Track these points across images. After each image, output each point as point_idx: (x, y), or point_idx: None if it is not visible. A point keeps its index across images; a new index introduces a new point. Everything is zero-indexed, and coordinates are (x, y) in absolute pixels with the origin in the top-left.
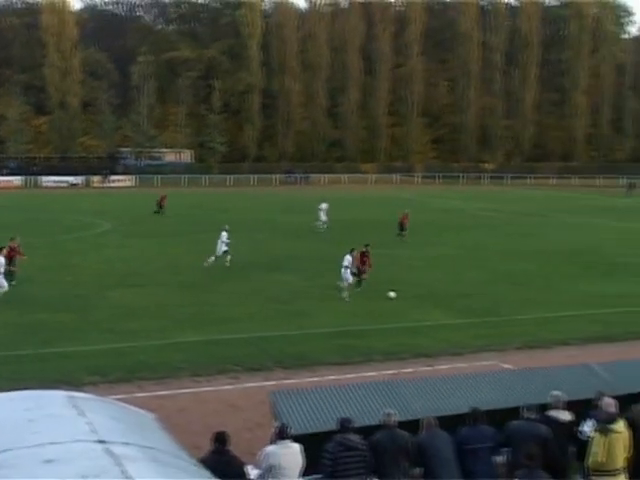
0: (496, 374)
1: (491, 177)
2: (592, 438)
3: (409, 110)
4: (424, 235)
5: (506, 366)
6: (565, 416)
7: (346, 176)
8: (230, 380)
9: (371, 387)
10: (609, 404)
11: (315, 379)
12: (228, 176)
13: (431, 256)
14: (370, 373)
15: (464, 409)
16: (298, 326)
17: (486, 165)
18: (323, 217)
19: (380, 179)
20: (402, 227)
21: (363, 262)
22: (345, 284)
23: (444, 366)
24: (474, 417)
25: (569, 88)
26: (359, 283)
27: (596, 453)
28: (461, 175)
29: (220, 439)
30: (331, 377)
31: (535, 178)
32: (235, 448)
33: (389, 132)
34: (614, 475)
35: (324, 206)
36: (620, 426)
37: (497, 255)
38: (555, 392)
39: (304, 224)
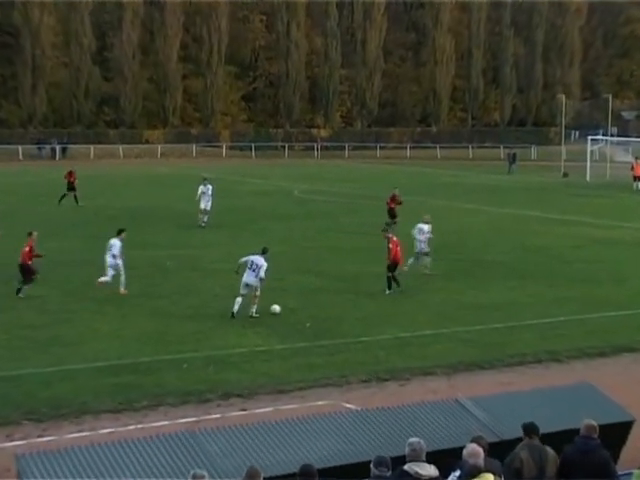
0: (335, 417)
1: (325, 147)
2: None
3: (211, 55)
4: (233, 228)
5: (349, 406)
6: (427, 470)
7: (123, 147)
8: None
9: (162, 442)
10: (473, 453)
11: (82, 434)
12: None
13: (241, 254)
14: (161, 422)
15: (291, 468)
16: (57, 359)
17: (319, 131)
18: (204, 204)
19: (172, 151)
20: (392, 214)
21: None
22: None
23: (264, 409)
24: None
25: (428, 26)
26: None
27: None
28: (284, 145)
29: None
30: (105, 430)
31: (384, 149)
32: None
33: (184, 85)
34: None
35: (206, 189)
36: None
37: (332, 254)
38: (414, 439)
39: (60, 213)
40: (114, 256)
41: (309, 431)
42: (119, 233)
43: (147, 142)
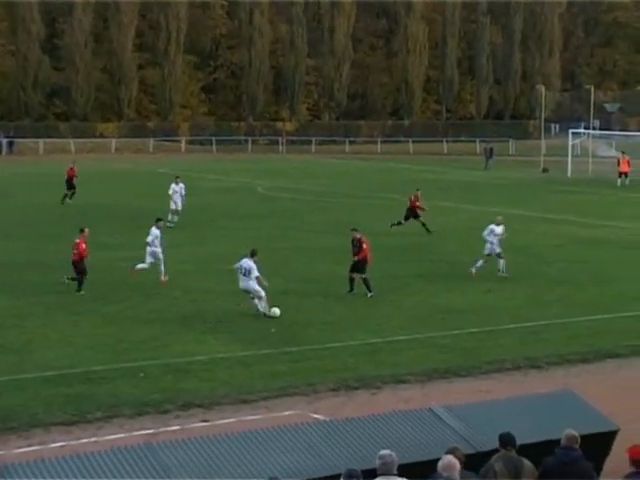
0: (302, 429)
1: (291, 142)
2: None
3: (168, 43)
4: (194, 227)
5: (316, 416)
6: None
7: (75, 141)
8: None
9: (117, 456)
10: (448, 466)
11: (31, 448)
12: None
13: (202, 257)
14: (116, 435)
15: None
16: (4, 368)
17: (284, 125)
18: (176, 204)
19: (127, 145)
20: (414, 213)
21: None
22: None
23: (226, 420)
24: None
25: (400, 12)
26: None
27: None
28: (247, 139)
29: None
30: (56, 444)
31: (353, 143)
32: None
33: (140, 76)
34: None
35: (178, 188)
36: None
37: (299, 254)
38: (385, 451)
39: (6, 211)
40: (148, 244)
41: (274, 443)
42: (157, 221)
43: (101, 136)
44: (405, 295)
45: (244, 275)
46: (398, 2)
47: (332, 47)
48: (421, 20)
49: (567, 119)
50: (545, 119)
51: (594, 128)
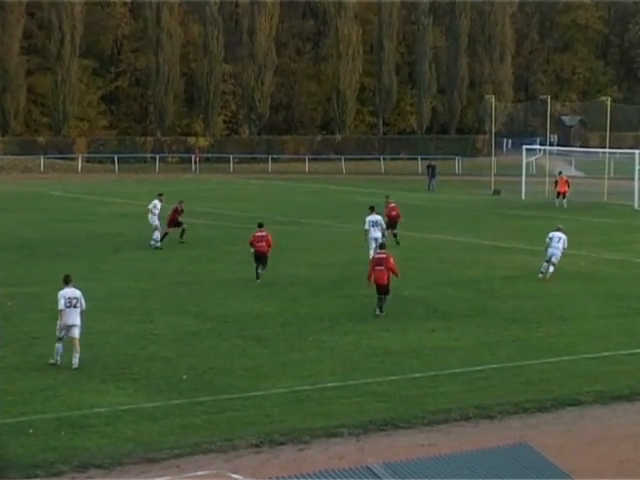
0: None
1: (206, 159)
2: None
3: (62, 46)
4: (92, 258)
5: (236, 476)
6: None
7: None
8: None
9: None
10: None
11: None
12: None
13: (101, 294)
14: None
15: None
16: None
17: (197, 140)
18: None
19: (14, 164)
20: (393, 223)
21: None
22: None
23: None
24: None
25: (330, 11)
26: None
27: None
28: (155, 157)
29: None
30: None
31: (277, 161)
32: None
33: (28, 83)
34: None
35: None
36: None
37: (214, 290)
38: None
39: None
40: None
41: None
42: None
43: None
44: (336, 335)
45: (74, 307)
46: (328, 0)
47: (252, 51)
48: (354, 21)
49: (520, 134)
50: (496, 133)
51: (551, 144)
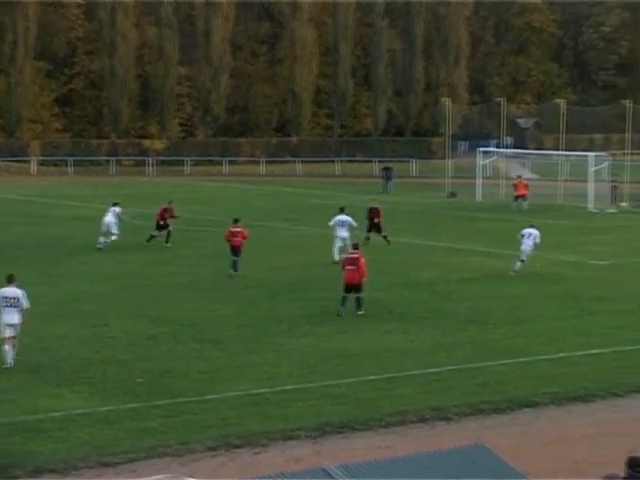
0: None
1: (161, 162)
2: None
3: (15, 47)
4: (45, 262)
5: None
6: None
7: None
8: None
9: None
10: None
11: None
12: None
13: (56, 297)
14: None
15: None
16: None
17: (152, 143)
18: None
19: None
20: (376, 227)
21: None
22: None
23: None
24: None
25: (286, 13)
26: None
27: None
28: (110, 160)
29: None
30: None
31: (234, 163)
32: None
33: None
34: None
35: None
36: None
37: (170, 292)
38: None
39: None
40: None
41: None
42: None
43: None
44: (294, 338)
45: (12, 306)
46: (283, 2)
47: (208, 53)
48: (309, 23)
49: (476, 136)
50: (451, 136)
51: (506, 146)
